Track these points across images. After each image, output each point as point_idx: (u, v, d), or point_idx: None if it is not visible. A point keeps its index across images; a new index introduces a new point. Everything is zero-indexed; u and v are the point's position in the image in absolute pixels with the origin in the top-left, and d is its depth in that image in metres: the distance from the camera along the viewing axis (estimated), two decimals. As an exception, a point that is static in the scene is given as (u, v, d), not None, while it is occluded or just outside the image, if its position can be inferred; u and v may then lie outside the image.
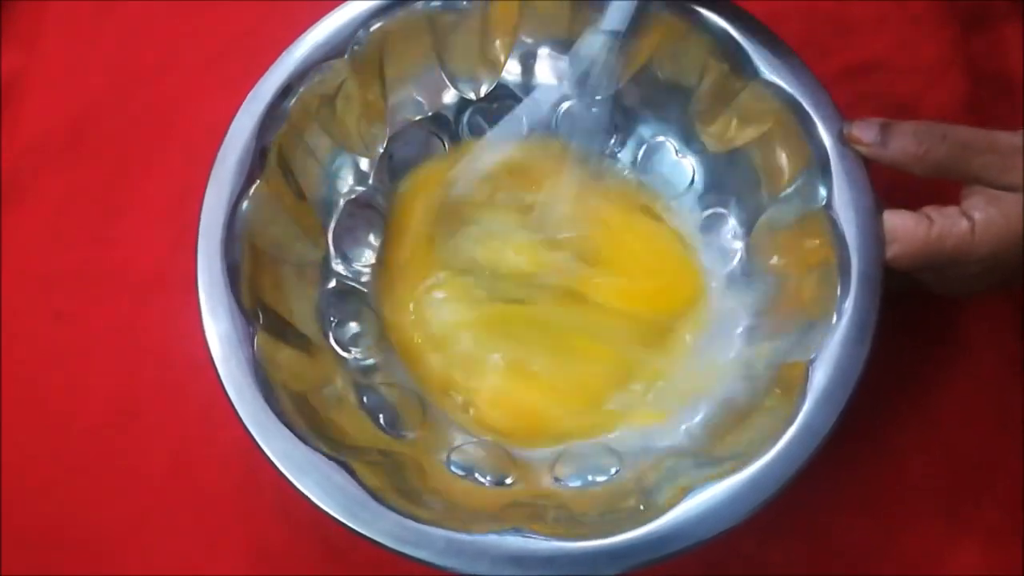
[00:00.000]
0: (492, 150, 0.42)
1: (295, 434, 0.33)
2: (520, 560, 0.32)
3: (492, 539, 0.32)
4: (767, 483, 0.32)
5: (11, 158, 0.46)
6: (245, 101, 0.38)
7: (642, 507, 0.34)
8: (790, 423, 0.33)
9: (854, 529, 0.39)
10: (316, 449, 0.33)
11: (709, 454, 0.35)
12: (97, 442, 0.42)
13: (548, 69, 0.43)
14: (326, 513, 0.32)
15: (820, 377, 0.34)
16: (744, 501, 0.32)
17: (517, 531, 0.32)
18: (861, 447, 0.40)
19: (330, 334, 0.40)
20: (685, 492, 0.32)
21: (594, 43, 0.39)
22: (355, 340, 0.41)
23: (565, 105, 0.43)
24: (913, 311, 0.40)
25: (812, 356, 0.34)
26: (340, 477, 0.33)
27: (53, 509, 0.41)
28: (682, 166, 0.43)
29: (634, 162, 0.43)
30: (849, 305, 0.34)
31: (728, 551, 0.39)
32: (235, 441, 0.41)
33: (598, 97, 0.42)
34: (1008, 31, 0.47)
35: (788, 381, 0.35)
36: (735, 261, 0.41)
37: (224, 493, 0.41)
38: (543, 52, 0.43)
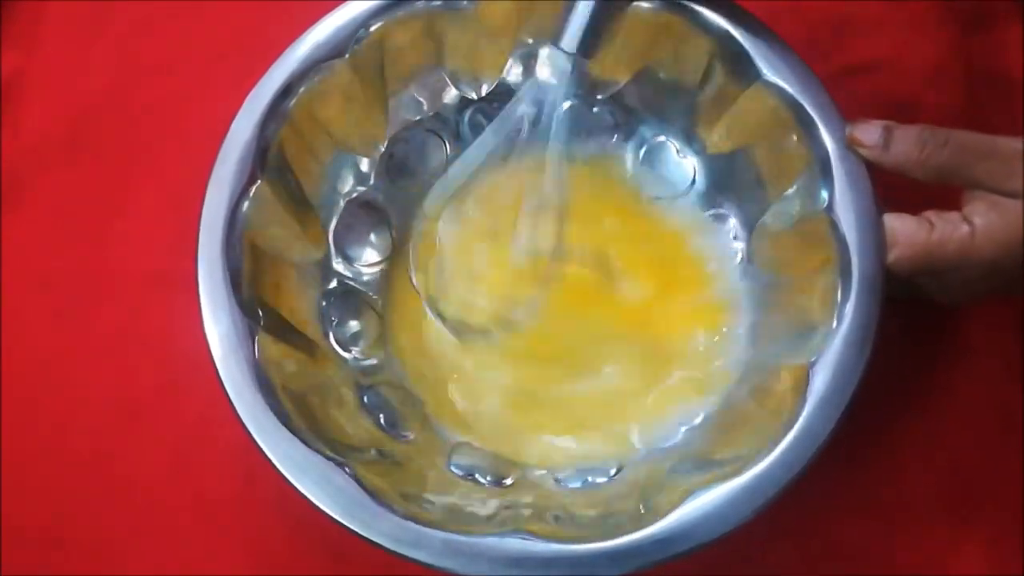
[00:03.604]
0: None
1: (295, 434, 0.33)
2: (519, 562, 0.32)
3: (491, 541, 0.32)
4: (768, 486, 0.32)
5: (11, 158, 0.46)
6: (246, 101, 0.38)
7: (642, 509, 0.34)
8: (790, 426, 0.33)
9: (855, 531, 0.39)
10: (316, 450, 0.33)
11: (709, 457, 0.35)
12: (97, 442, 0.42)
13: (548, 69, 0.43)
14: (325, 514, 0.32)
15: (820, 380, 0.33)
16: (745, 504, 0.32)
17: (516, 533, 0.32)
18: (862, 449, 0.40)
19: (330, 334, 0.40)
20: (685, 495, 0.32)
21: (556, 61, 0.37)
22: (355, 340, 0.41)
23: (566, 105, 0.43)
24: (914, 314, 0.40)
25: (813, 359, 0.34)
26: (340, 478, 0.33)
27: (53, 509, 0.41)
28: (683, 166, 0.43)
29: (635, 162, 0.43)
30: (850, 309, 0.34)
31: (728, 553, 0.39)
32: (235, 441, 0.40)
33: (599, 98, 0.42)
34: (1008, 31, 0.47)
35: (788, 384, 0.35)
36: (736, 262, 0.41)
37: (224, 493, 0.41)
38: (543, 52, 0.43)
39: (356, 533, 0.32)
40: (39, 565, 0.40)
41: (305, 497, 0.33)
